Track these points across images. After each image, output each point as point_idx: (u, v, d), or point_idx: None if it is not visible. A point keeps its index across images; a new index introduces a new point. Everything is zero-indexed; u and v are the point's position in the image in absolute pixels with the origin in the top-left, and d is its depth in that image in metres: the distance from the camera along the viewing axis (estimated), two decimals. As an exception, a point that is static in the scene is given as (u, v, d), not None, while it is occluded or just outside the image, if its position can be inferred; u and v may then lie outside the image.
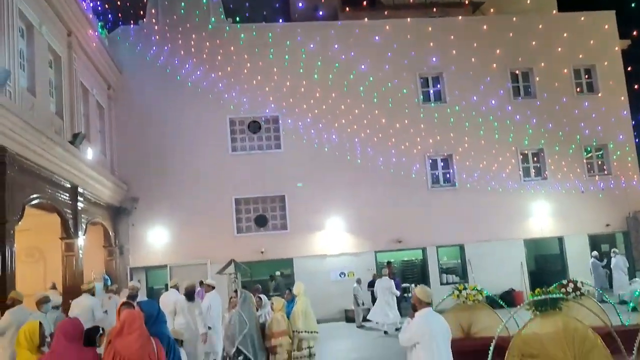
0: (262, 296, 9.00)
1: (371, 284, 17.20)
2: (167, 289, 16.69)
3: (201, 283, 13.33)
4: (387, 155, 18.94)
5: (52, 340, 4.32)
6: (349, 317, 17.59)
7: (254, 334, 7.86)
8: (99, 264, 16.50)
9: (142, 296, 10.88)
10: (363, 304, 16.94)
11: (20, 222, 9.91)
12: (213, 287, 11.59)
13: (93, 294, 10.15)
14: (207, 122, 18.62)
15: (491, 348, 7.11)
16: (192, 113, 18.52)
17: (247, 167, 18.61)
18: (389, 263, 17.91)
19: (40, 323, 4.68)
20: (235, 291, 9.20)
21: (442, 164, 19.92)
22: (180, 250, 17.84)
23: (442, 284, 18.82)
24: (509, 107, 19.83)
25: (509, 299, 16.40)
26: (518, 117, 19.72)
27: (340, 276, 18.53)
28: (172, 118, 18.45)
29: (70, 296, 12.17)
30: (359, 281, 17.17)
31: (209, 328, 10.81)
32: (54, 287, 12.08)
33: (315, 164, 18.63)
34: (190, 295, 9.55)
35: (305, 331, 8.13)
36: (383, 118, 19.13)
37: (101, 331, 4.69)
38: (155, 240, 17.95)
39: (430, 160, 19.75)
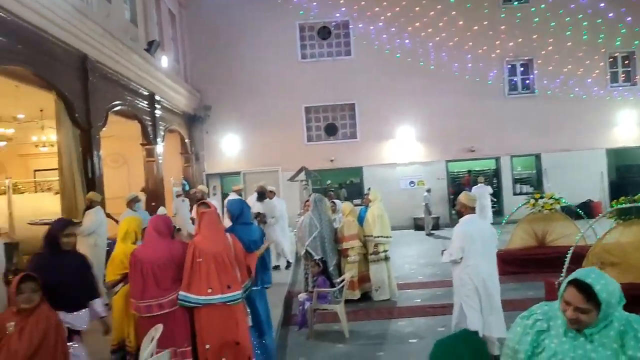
0: (337, 201, 9.13)
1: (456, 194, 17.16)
2: (240, 194, 17.54)
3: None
4: (463, 61, 18.05)
5: (144, 234, 4.65)
6: (417, 225, 17.75)
7: (325, 236, 8.01)
8: (177, 170, 17.25)
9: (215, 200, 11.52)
10: (431, 212, 17.01)
11: (104, 128, 10.41)
12: (274, 194, 11.99)
13: (240, 195, 10.89)
14: (277, 29, 18.31)
15: (568, 256, 7.00)
16: (262, 19, 18.22)
17: (317, 75, 18.39)
18: (469, 172, 17.75)
19: (138, 218, 5.05)
20: (310, 196, 9.41)
21: (521, 69, 18.84)
22: (253, 158, 18.33)
23: (515, 194, 18.46)
24: (602, 4, 18.09)
25: (586, 209, 15.85)
26: (611, 14, 18.01)
27: (409, 185, 18.53)
28: (241, 25, 18.25)
29: (153, 199, 13.00)
30: (429, 190, 17.13)
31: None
32: (143, 189, 12.93)
33: (387, 70, 18.11)
34: (260, 195, 10.27)
35: (381, 236, 8.28)
36: (460, 20, 18.07)
37: (175, 228, 5.03)
38: (229, 147, 18.48)
39: (509, 66, 18.71)
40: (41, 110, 12.56)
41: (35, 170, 17.61)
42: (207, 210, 4.60)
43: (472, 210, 5.56)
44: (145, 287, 4.22)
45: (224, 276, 4.37)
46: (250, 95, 18.18)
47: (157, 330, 3.57)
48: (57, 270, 3.85)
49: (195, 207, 8.01)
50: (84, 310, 4.01)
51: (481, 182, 16.03)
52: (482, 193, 14.94)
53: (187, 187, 15.97)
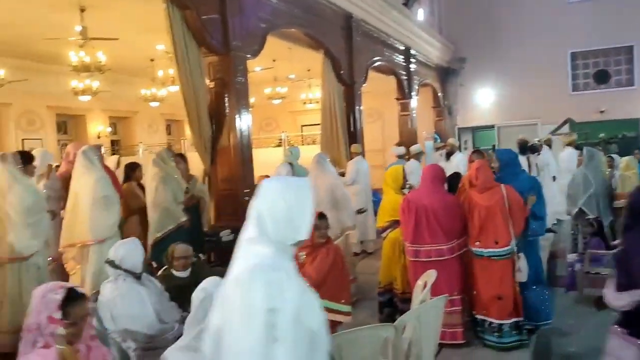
0: (615, 156, 8.10)
1: None
2: (493, 150, 16.87)
3: None
4: None
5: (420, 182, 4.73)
6: None
7: (600, 194, 7.19)
8: (429, 124, 17.31)
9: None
10: None
11: (364, 84, 10.94)
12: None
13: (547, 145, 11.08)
14: (540, -33, 16.73)
15: None
16: (523, -42, 16.83)
17: (586, 16, 16.30)
18: None
19: (403, 167, 5.22)
20: (580, 149, 8.54)
21: None
22: (509, 110, 17.36)
23: None
24: None
25: None
26: None
27: None
28: (499, -32, 17.14)
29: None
30: None
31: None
32: (399, 144, 13.38)
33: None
34: (522, 148, 9.82)
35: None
36: None
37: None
38: (483, 100, 17.84)
39: None
40: (308, 70, 13.82)
41: (302, 126, 19.60)
42: (480, 161, 4.46)
43: None
44: (420, 231, 4.34)
45: (491, 231, 4.29)
46: (508, 44, 17.06)
47: (431, 276, 3.64)
48: None
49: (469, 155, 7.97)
50: None
51: None
52: None
53: (438, 141, 15.96)
